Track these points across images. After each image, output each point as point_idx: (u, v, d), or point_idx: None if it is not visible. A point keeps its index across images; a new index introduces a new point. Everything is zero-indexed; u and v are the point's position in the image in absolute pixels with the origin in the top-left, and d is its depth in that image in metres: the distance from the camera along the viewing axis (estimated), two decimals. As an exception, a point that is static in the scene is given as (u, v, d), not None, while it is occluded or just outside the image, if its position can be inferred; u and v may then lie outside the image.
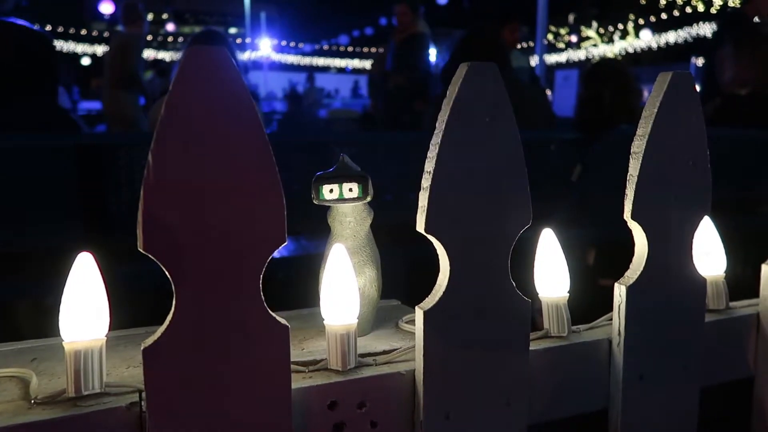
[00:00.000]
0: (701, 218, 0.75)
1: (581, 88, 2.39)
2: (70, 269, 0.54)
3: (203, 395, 0.54)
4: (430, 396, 0.63)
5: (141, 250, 0.51)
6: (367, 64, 15.49)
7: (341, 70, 18.42)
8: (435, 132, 0.62)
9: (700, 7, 14.50)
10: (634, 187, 0.70)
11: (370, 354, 0.67)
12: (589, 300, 0.86)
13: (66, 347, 0.53)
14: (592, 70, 2.44)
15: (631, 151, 0.71)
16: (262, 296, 0.55)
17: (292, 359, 0.57)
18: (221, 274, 0.53)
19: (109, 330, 0.56)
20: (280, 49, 17.96)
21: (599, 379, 0.74)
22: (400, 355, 0.66)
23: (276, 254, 0.55)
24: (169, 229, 0.51)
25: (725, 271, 0.83)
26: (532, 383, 0.68)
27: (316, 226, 0.78)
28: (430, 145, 0.62)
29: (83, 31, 16.20)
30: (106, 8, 11.14)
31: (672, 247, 0.73)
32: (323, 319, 0.62)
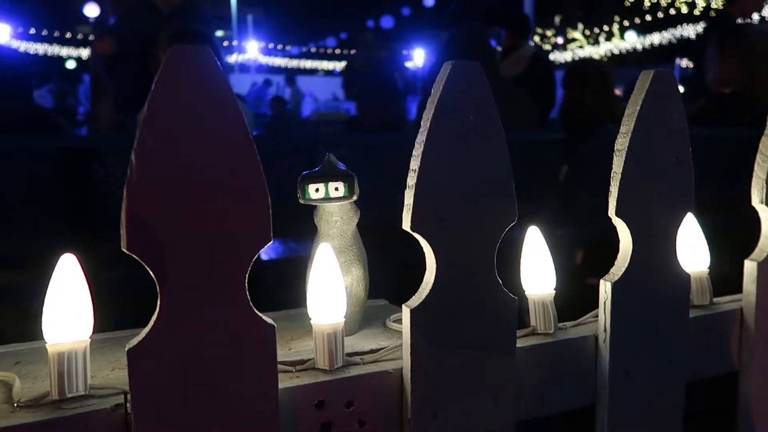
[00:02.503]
0: (685, 215, 0.76)
1: (563, 89, 2.40)
2: (53, 272, 0.54)
3: (189, 396, 0.53)
4: (418, 394, 0.63)
5: (125, 251, 0.51)
6: (354, 66, 15.43)
7: (329, 73, 18.39)
8: (420, 130, 0.62)
9: (684, 9, 14.66)
10: (617, 184, 0.71)
11: (357, 353, 0.66)
12: (575, 298, 0.86)
13: (49, 349, 0.53)
14: (572, 72, 2.45)
15: (615, 148, 0.72)
16: (248, 296, 0.55)
17: (279, 359, 0.57)
18: (206, 274, 0.53)
19: (94, 332, 0.55)
20: (267, 52, 17.90)
21: (586, 375, 0.74)
22: (388, 354, 0.66)
23: (264, 256, 0.55)
24: (153, 229, 0.51)
25: (709, 268, 0.84)
26: (519, 380, 0.68)
27: (304, 228, 0.78)
28: (415, 143, 0.62)
29: (68, 34, 16.05)
30: (91, 11, 11.02)
31: (656, 244, 0.74)
32: (310, 319, 0.62)
